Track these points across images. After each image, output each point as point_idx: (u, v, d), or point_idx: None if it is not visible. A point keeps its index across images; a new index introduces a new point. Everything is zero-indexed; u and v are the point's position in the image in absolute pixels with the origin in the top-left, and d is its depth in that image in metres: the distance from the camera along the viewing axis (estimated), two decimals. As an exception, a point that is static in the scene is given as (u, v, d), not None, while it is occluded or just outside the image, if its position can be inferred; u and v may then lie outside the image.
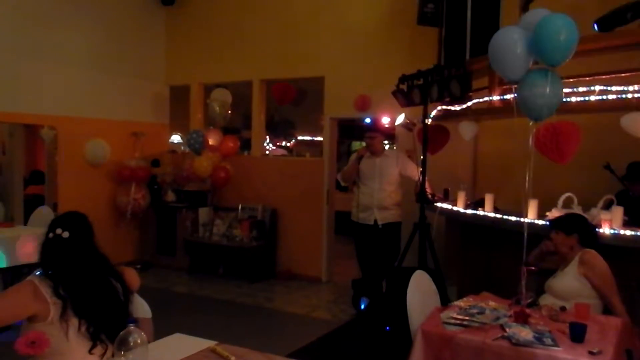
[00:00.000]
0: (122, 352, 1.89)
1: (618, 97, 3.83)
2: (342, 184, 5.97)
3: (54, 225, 2.27)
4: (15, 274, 5.06)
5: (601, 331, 2.65)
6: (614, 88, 3.86)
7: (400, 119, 5.45)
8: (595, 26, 4.18)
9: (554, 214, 3.88)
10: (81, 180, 7.00)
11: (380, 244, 5.48)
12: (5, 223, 5.76)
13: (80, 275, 2.21)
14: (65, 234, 2.23)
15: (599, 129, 4.47)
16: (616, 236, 3.55)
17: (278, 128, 12.58)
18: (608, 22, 4.12)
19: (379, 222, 5.46)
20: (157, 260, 7.73)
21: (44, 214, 6.06)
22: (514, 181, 3.56)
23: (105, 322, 2.18)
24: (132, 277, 2.45)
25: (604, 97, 3.87)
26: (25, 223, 6.24)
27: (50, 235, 2.25)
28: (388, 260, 5.36)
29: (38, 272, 2.20)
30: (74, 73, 6.93)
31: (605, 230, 3.60)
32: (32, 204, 6.84)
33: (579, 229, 3.35)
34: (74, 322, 2.13)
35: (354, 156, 5.75)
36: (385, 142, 5.82)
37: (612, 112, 3.97)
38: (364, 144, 5.83)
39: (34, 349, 1.67)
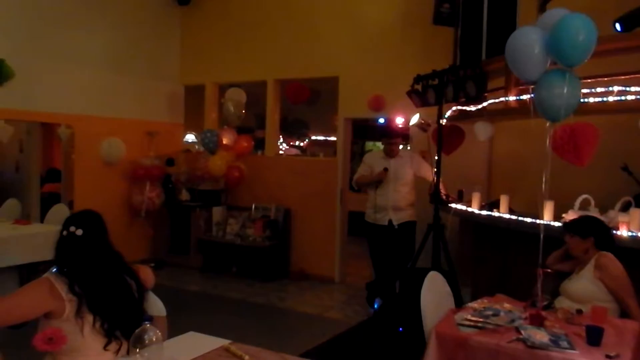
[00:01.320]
0: (138, 350, 1.90)
1: (637, 98, 3.78)
2: (355, 187, 5.99)
3: (68, 223, 2.30)
4: (31, 271, 5.12)
5: (618, 335, 2.62)
6: (632, 89, 3.81)
7: (415, 119, 5.43)
8: (618, 26, 4.13)
9: (570, 216, 3.84)
10: (97, 179, 7.07)
11: (395, 244, 5.49)
12: (22, 220, 5.82)
13: (94, 272, 2.22)
14: (79, 232, 2.25)
15: (617, 130, 4.41)
16: (634, 239, 3.51)
17: (292, 128, 12.59)
18: (628, 23, 4.07)
19: (395, 223, 5.48)
20: (170, 258, 7.77)
21: (60, 212, 6.12)
22: (530, 182, 3.53)
23: (120, 319, 2.19)
24: (147, 275, 2.47)
25: (623, 97, 3.82)
26: (42, 221, 6.31)
27: (64, 232, 2.27)
28: (403, 261, 5.36)
29: (54, 270, 2.22)
30: (90, 73, 6.99)
31: (623, 232, 3.55)
32: (48, 201, 6.91)
33: (594, 232, 3.30)
34: (88, 318, 2.14)
35: (371, 173, 5.62)
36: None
37: (631, 113, 3.92)
38: (378, 144, 5.83)
39: (51, 345, 1.69)
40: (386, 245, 5.54)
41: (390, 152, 5.58)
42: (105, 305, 2.18)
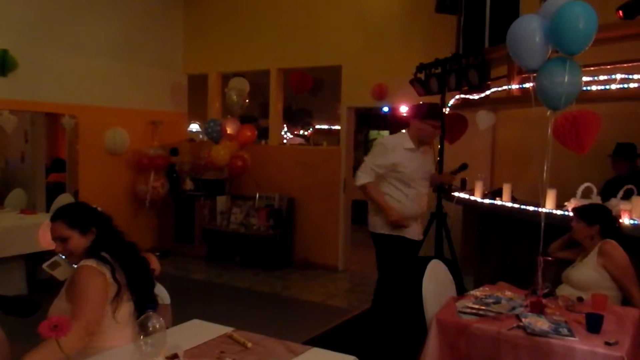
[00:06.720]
0: (142, 337, 1.93)
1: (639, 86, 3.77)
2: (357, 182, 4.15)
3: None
4: (37, 261, 5.17)
5: (618, 322, 2.63)
6: (635, 76, 3.80)
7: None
8: (621, 13, 4.10)
9: (572, 204, 3.85)
10: (101, 169, 7.11)
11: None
12: (27, 210, 5.87)
13: (129, 259, 2.30)
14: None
15: (620, 117, 4.41)
16: (636, 227, 3.51)
17: (295, 117, 12.58)
18: (631, 10, 4.04)
19: (418, 237, 4.24)
20: (175, 248, 7.82)
21: (66, 201, 6.16)
22: (532, 171, 3.53)
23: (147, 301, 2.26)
24: (154, 263, 2.51)
25: (625, 85, 3.81)
26: (48, 210, 6.36)
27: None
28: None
29: (64, 257, 2.26)
30: (94, 63, 7.00)
31: (625, 220, 3.55)
32: (53, 191, 6.96)
33: (601, 220, 3.31)
34: (122, 303, 2.20)
35: (393, 169, 4.03)
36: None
37: (633, 100, 3.91)
38: (382, 133, 5.69)
39: (56, 332, 1.71)
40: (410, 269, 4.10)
41: (427, 140, 4.13)
42: (139, 289, 2.26)
